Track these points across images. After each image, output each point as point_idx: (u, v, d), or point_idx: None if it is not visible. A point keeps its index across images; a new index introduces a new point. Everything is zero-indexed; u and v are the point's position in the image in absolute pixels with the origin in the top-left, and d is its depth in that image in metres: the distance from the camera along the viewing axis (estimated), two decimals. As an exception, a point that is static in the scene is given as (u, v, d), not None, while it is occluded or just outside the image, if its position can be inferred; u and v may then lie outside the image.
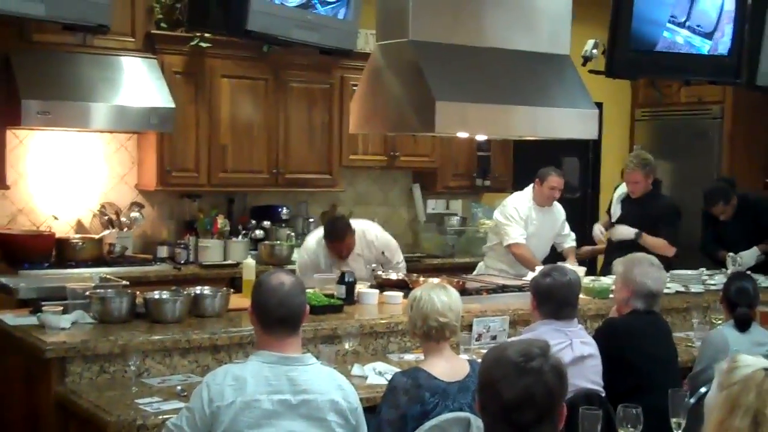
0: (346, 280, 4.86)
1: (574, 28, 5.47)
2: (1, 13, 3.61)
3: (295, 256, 6.72)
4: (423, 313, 3.41)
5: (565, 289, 3.82)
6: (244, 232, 6.80)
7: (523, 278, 5.64)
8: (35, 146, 6.28)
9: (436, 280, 4.43)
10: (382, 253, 5.81)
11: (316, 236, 5.76)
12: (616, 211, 6.65)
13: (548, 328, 3.74)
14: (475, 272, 6.39)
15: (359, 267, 5.57)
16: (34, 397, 3.95)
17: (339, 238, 5.57)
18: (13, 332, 4.08)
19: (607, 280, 5.57)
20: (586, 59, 5.67)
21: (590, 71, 5.71)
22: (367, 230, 5.83)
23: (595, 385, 3.76)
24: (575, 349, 3.73)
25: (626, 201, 6.55)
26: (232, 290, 4.66)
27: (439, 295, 3.44)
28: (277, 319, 3.01)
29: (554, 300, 3.80)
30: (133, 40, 6.27)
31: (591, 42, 5.65)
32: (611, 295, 5.14)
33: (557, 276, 3.82)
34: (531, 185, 6.42)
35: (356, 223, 5.75)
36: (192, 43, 6.40)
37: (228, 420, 2.89)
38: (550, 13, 5.38)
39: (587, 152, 9.02)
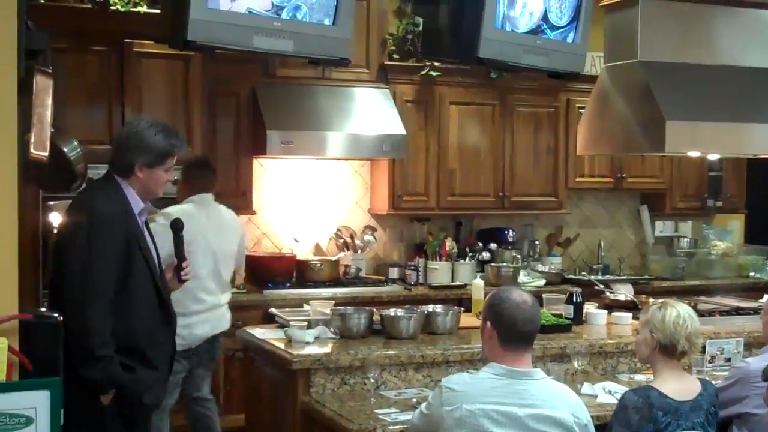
0: (575, 300, 4.89)
1: (812, 42, 5.27)
2: (257, 51, 3.93)
3: (521, 278, 6.82)
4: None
5: None
6: (471, 254, 6.95)
7: (759, 300, 5.45)
8: (277, 174, 6.71)
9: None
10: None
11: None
12: None
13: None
14: None
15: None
16: (282, 405, 4.23)
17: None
18: (263, 345, 4.40)
19: None
20: (825, 74, 5.44)
21: (830, 86, 5.47)
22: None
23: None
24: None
25: None
26: (462, 309, 4.81)
27: (671, 313, 3.44)
28: (522, 334, 3.09)
29: None
30: (367, 71, 6.60)
31: (831, 56, 5.43)
32: None
33: None
34: None
35: None
36: (422, 73, 6.66)
37: (452, 425, 3.01)
38: (785, 28, 5.23)
39: (828, 170, 8.55)
